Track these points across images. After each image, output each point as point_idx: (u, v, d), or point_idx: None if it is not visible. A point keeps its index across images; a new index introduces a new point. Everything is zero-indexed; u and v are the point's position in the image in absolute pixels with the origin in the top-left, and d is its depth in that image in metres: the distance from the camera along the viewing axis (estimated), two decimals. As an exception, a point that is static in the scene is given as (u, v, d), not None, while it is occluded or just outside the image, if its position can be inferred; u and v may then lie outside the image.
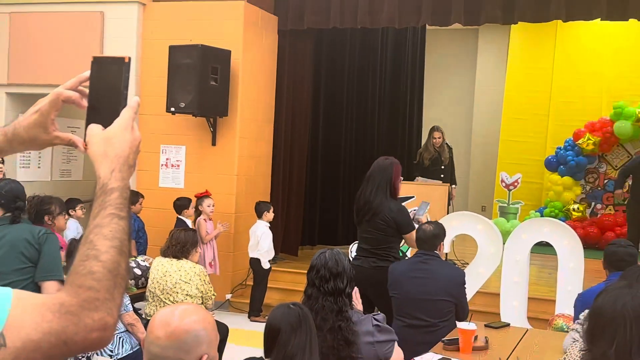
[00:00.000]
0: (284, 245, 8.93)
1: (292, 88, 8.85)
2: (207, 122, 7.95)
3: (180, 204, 7.30)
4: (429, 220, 5.21)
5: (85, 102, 1.30)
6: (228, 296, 7.96)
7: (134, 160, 1.25)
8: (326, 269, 3.04)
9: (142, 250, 7.13)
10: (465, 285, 4.47)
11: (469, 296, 6.46)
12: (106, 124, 1.24)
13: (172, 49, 7.58)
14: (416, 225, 4.96)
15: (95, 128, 1.25)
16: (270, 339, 2.50)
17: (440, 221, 6.62)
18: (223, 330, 5.06)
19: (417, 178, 8.60)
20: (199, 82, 7.41)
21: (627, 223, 8.64)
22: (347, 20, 8.16)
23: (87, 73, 1.29)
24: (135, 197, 7.25)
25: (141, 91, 8.30)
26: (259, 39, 8.33)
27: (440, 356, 3.30)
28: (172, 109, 7.55)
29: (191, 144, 8.14)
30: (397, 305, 4.40)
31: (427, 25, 9.00)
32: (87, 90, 1.30)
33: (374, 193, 4.89)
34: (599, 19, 7.54)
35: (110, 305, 1.09)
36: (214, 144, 8.03)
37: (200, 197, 7.33)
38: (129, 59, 1.28)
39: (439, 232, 4.52)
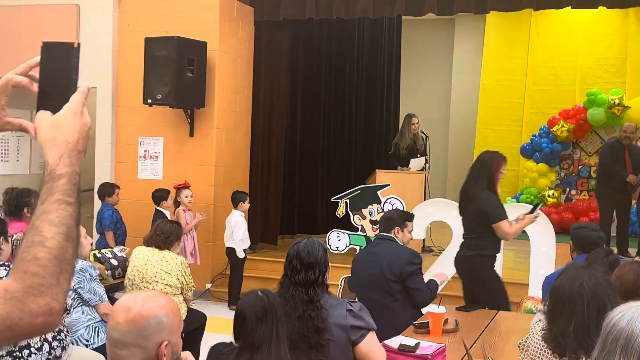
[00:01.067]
0: (263, 235, 9.00)
1: (270, 79, 8.90)
2: (185, 114, 7.99)
3: (159, 195, 7.34)
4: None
5: (35, 87, 1.29)
6: (208, 286, 8.03)
7: (84, 145, 1.24)
8: (298, 259, 3.06)
9: (120, 241, 7.16)
10: (415, 265, 4.41)
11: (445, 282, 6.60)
12: (56, 109, 1.24)
13: (148, 41, 7.60)
14: (511, 219, 5.00)
15: (44, 114, 1.24)
16: (238, 325, 2.56)
17: (416, 208, 6.78)
18: (200, 319, 5.13)
19: (411, 161, 8.63)
20: (176, 74, 7.45)
21: (599, 208, 8.81)
22: (323, 11, 8.22)
23: (38, 58, 1.28)
24: (111, 188, 7.27)
25: (118, 83, 8.32)
26: (235, 30, 8.36)
27: (408, 338, 3.38)
28: (149, 101, 7.58)
29: (169, 136, 8.18)
30: (355, 289, 4.54)
31: (402, 15, 9.07)
32: (37, 76, 1.29)
33: (471, 184, 5.01)
34: (569, 7, 7.66)
35: (55, 290, 1.10)
36: (191, 135, 8.07)
37: (179, 188, 7.38)
38: (79, 44, 1.28)
39: (393, 216, 4.63)
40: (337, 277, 6.76)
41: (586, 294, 2.52)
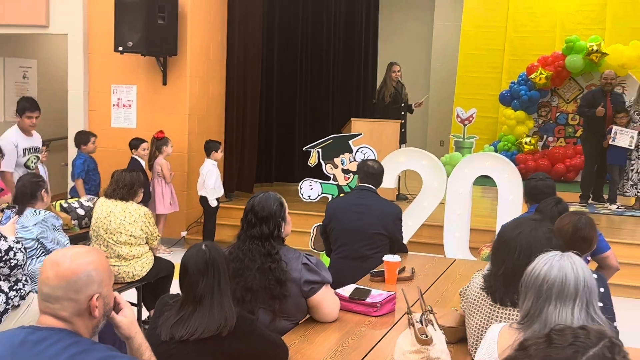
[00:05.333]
0: (239, 183, 9.04)
1: (244, 25, 8.77)
2: (157, 62, 7.91)
3: (136, 144, 7.32)
4: None
5: None
6: (183, 233, 8.10)
7: None
8: (253, 213, 3.09)
9: (94, 191, 7.14)
10: (400, 220, 4.63)
11: (415, 229, 6.71)
12: None
13: (118, -13, 7.47)
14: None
15: None
16: (182, 278, 2.61)
17: (387, 157, 6.83)
18: (168, 268, 5.19)
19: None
20: (146, 21, 7.35)
21: (584, 156, 8.93)
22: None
23: None
24: (85, 136, 7.23)
25: (89, 30, 8.21)
26: (208, -25, 8.21)
27: (361, 287, 3.46)
28: (120, 48, 7.49)
29: (142, 84, 8.11)
30: (334, 238, 4.56)
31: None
32: None
33: None
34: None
35: None
36: (164, 83, 8.01)
37: (163, 138, 7.38)
38: None
39: (377, 174, 4.69)
40: (309, 225, 6.84)
41: (520, 243, 2.57)
